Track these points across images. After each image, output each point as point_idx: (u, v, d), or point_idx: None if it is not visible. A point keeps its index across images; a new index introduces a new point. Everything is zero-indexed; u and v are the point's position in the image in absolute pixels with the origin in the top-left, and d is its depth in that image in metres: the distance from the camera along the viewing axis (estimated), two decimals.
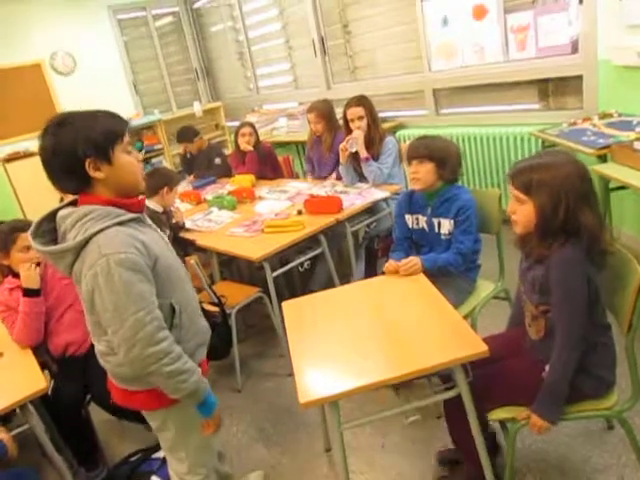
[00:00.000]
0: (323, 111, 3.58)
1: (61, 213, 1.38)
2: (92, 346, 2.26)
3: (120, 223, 1.35)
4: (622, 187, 2.61)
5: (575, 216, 1.45)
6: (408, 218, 2.40)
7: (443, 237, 2.27)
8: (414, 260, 2.08)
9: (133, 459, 2.21)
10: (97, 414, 2.43)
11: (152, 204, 2.96)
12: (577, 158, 1.54)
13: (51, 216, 1.41)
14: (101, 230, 1.32)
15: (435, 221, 2.29)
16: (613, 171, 2.45)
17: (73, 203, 1.41)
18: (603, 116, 3.04)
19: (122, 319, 1.31)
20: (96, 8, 5.85)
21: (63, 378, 2.27)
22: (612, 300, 1.60)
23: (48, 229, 1.40)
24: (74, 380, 2.25)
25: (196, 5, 6.51)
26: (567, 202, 1.45)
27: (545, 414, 1.53)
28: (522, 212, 1.54)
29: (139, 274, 1.33)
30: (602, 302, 1.53)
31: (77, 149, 1.30)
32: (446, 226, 2.25)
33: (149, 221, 1.52)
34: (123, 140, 1.39)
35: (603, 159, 2.65)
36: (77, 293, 2.32)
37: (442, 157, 2.19)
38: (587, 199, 1.47)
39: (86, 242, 1.31)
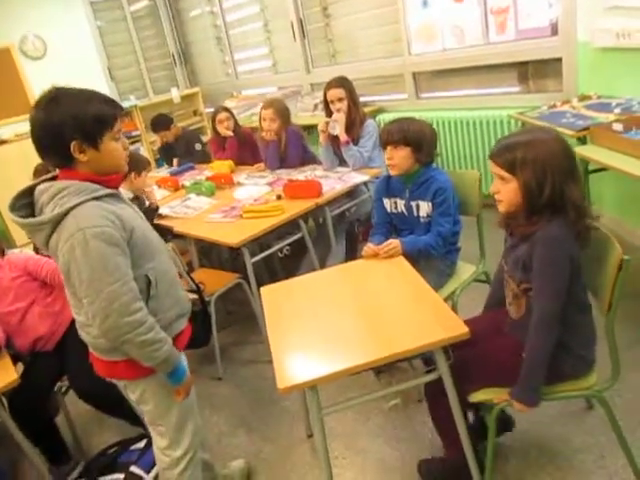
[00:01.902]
0: (280, 109, 3.41)
1: (39, 188, 1.41)
2: (65, 336, 2.25)
3: (96, 198, 1.38)
4: (601, 169, 2.61)
5: (561, 192, 1.44)
6: (386, 202, 2.37)
7: (422, 220, 2.25)
8: (394, 243, 2.06)
9: (111, 451, 2.16)
10: (75, 406, 2.39)
11: (122, 190, 2.89)
12: (559, 134, 1.52)
13: (29, 191, 1.44)
14: (78, 204, 1.35)
15: (413, 204, 2.26)
16: (592, 153, 2.44)
17: (51, 179, 1.43)
18: (582, 98, 3.04)
19: (98, 290, 1.35)
20: None
21: (31, 372, 2.21)
22: (592, 280, 1.59)
23: (25, 203, 1.43)
24: (43, 374, 2.20)
25: None
26: (552, 178, 1.44)
27: (523, 399, 1.53)
28: (506, 191, 1.52)
29: (115, 247, 1.36)
30: (583, 281, 1.53)
31: (64, 130, 1.33)
32: (424, 209, 2.23)
33: (125, 197, 1.55)
34: (113, 127, 1.41)
35: (582, 141, 2.65)
36: (38, 287, 2.27)
37: (417, 141, 2.15)
38: (572, 174, 1.46)
39: (63, 216, 1.34)
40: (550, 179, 1.44)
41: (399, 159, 2.18)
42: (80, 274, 1.35)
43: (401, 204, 2.32)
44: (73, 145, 1.34)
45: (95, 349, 1.55)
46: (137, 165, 2.98)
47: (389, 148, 2.19)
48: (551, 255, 1.46)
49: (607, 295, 1.50)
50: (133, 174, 2.92)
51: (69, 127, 1.32)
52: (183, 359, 1.65)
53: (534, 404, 1.53)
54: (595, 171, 2.80)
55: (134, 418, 2.15)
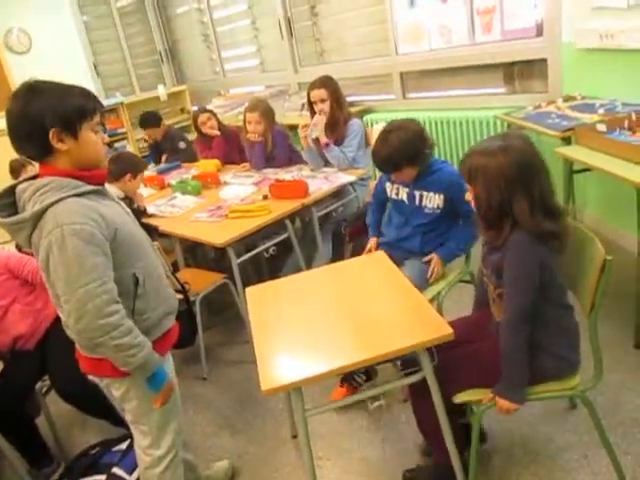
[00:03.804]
0: (265, 110, 3.38)
1: (20, 186, 1.39)
2: (46, 335, 2.22)
3: (78, 194, 1.36)
4: (585, 169, 2.63)
5: (510, 205, 1.44)
6: (388, 186, 2.37)
7: (428, 211, 2.24)
8: (435, 260, 2.19)
9: (93, 452, 2.14)
10: (57, 406, 2.35)
11: (113, 189, 2.86)
12: (521, 142, 1.48)
13: (10, 190, 1.41)
14: (58, 200, 1.32)
15: (417, 194, 2.25)
16: (576, 153, 2.45)
17: (33, 178, 1.41)
18: (567, 99, 3.05)
19: (73, 289, 1.32)
20: None
21: (11, 372, 2.18)
22: (574, 280, 1.60)
23: (7, 203, 1.40)
24: (24, 374, 2.17)
25: None
26: (500, 192, 1.43)
27: (508, 395, 1.53)
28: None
29: (94, 246, 1.33)
30: (560, 284, 1.53)
31: (44, 117, 1.31)
32: (435, 200, 2.21)
33: (110, 193, 1.52)
34: (92, 119, 1.40)
35: (567, 141, 2.66)
36: (19, 285, 2.24)
37: (409, 156, 2.14)
38: (523, 188, 1.43)
39: (43, 212, 1.32)
40: (497, 191, 1.44)
41: (405, 176, 2.21)
42: (57, 271, 1.33)
43: (404, 192, 2.30)
44: (52, 132, 1.32)
45: (81, 347, 1.51)
46: (135, 167, 2.96)
47: (392, 176, 2.25)
48: (517, 263, 1.47)
49: (589, 296, 1.51)
50: (129, 175, 2.90)
51: (49, 115, 1.31)
52: (169, 363, 1.63)
53: (518, 401, 1.54)
54: (579, 171, 2.82)
55: (116, 418, 2.13)
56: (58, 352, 2.05)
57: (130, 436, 1.75)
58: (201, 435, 2.33)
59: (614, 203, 3.09)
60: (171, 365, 1.66)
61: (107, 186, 2.84)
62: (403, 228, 2.33)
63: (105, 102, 5.60)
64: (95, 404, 2.13)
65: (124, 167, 2.90)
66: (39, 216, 1.32)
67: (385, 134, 2.17)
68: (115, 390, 1.59)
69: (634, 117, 2.37)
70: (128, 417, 1.65)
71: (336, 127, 3.14)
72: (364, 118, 4.25)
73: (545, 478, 1.80)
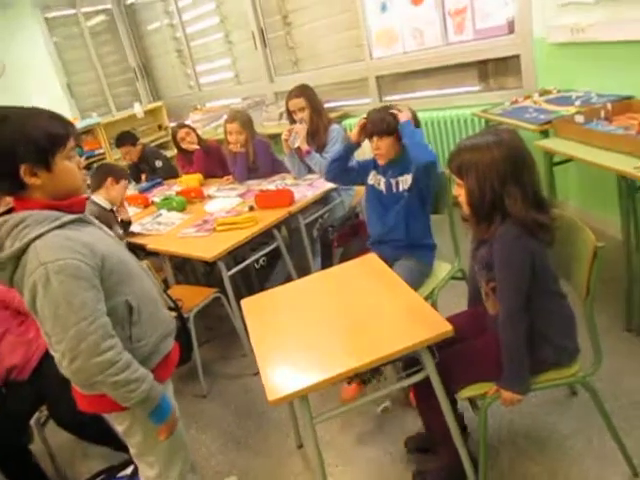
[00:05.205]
0: (245, 120, 3.40)
1: None
2: (40, 364, 2.18)
3: (59, 226, 1.28)
4: (566, 160, 2.68)
5: (502, 197, 1.46)
6: (372, 175, 2.42)
7: (406, 194, 2.28)
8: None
9: (98, 479, 2.10)
10: (55, 437, 2.31)
11: (98, 199, 2.84)
12: (512, 136, 1.51)
13: None
14: (39, 236, 1.25)
15: (393, 182, 2.31)
16: (556, 145, 2.49)
17: (9, 212, 1.32)
18: (543, 93, 3.11)
19: (64, 329, 1.25)
20: (21, 8, 5.51)
21: (6, 403, 2.13)
22: (568, 269, 1.63)
23: None
24: (19, 404, 2.12)
25: (129, 1, 6.26)
26: (492, 184, 1.46)
27: (512, 386, 1.55)
28: (462, 195, 1.55)
29: (81, 281, 1.26)
30: (552, 274, 1.55)
31: (16, 152, 1.23)
32: (407, 181, 2.27)
33: (93, 220, 1.46)
34: (66, 146, 1.31)
35: (546, 134, 2.70)
36: (10, 316, 2.19)
37: (397, 119, 2.19)
38: (514, 178, 1.45)
39: (23, 250, 1.25)
40: (490, 185, 1.46)
41: (385, 148, 2.25)
42: (44, 312, 1.25)
43: (382, 182, 2.36)
44: (23, 169, 1.24)
45: (77, 385, 1.45)
46: (115, 172, 2.93)
47: (375, 139, 2.26)
48: (508, 255, 1.49)
49: (584, 282, 1.53)
50: (110, 180, 2.86)
51: (20, 149, 1.22)
52: (169, 387, 1.58)
53: (523, 392, 1.55)
54: (560, 163, 2.86)
55: (118, 444, 2.09)
56: (54, 379, 2.00)
57: (133, 461, 1.72)
58: (206, 453, 2.31)
59: (595, 192, 3.14)
60: (171, 390, 1.60)
61: (93, 197, 2.83)
62: (385, 217, 2.36)
63: (81, 123, 5.55)
64: (96, 431, 2.09)
65: (104, 173, 2.89)
66: (20, 254, 1.25)
67: (386, 105, 2.34)
68: (118, 425, 1.52)
69: (609, 107, 2.42)
70: (133, 451, 1.58)
71: (317, 134, 3.16)
72: (343, 123, 4.27)
73: (553, 466, 1.81)
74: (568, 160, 2.59)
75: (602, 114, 2.42)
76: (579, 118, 2.45)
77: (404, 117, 2.20)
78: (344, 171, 2.49)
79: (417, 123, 2.28)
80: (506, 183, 1.45)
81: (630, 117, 2.37)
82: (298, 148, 3.13)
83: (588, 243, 1.50)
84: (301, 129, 3.09)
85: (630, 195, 2.26)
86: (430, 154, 2.14)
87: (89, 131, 5.67)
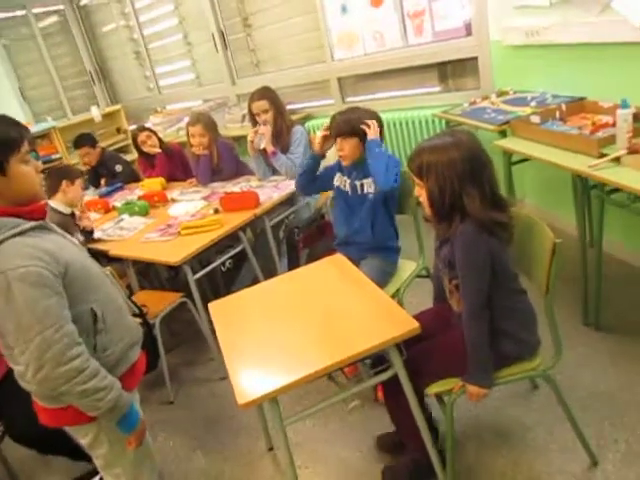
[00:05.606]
0: (208, 123, 3.38)
1: None
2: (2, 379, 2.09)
3: (20, 233, 1.25)
4: (523, 160, 2.75)
5: (461, 198, 1.49)
6: (338, 177, 2.44)
7: (371, 196, 2.30)
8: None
9: None
10: (14, 452, 2.23)
11: (56, 204, 2.78)
12: (469, 137, 1.55)
13: None
14: None
15: (358, 184, 2.33)
16: (514, 145, 2.56)
17: None
18: (500, 94, 3.19)
19: (27, 339, 1.22)
20: None
21: None
22: (528, 265, 1.68)
23: None
24: None
25: (83, 2, 6.10)
26: (452, 185, 1.49)
27: (478, 381, 1.59)
28: (423, 195, 1.58)
29: (44, 288, 1.23)
30: (511, 271, 1.60)
31: None
32: (372, 185, 2.29)
33: (54, 227, 1.42)
34: (20, 150, 1.29)
35: (503, 134, 2.78)
36: None
37: (364, 130, 2.22)
38: (473, 181, 1.49)
39: None
40: (449, 185, 1.49)
41: (349, 149, 2.27)
42: (6, 322, 1.22)
43: (347, 183, 2.38)
44: None
45: (39, 398, 1.41)
46: (68, 173, 2.88)
47: (339, 140, 2.27)
48: (467, 255, 1.53)
49: (544, 278, 1.58)
50: (65, 183, 2.80)
51: None
52: (136, 400, 1.55)
53: (487, 386, 1.59)
54: (517, 162, 2.95)
55: (78, 453, 2.02)
56: (12, 397, 1.93)
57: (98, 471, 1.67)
58: (175, 460, 2.27)
59: (552, 190, 3.25)
60: (137, 398, 1.57)
61: (51, 203, 2.75)
62: (351, 218, 2.38)
63: (35, 128, 5.37)
64: (56, 444, 2.02)
65: (58, 177, 2.83)
66: None
67: (353, 107, 2.36)
68: (82, 437, 1.48)
69: (564, 108, 2.51)
70: (99, 463, 1.53)
71: (281, 136, 3.16)
72: (305, 124, 4.28)
73: (517, 458, 1.86)
74: (525, 159, 2.67)
75: (557, 114, 2.50)
76: (535, 118, 2.52)
77: (372, 134, 2.21)
78: (311, 182, 2.53)
79: (381, 127, 2.30)
80: (465, 183, 1.49)
81: (583, 117, 2.46)
82: (264, 149, 3.12)
83: (546, 240, 1.55)
84: (266, 131, 3.09)
85: (584, 193, 2.35)
86: (390, 178, 2.15)
87: (45, 135, 5.49)
